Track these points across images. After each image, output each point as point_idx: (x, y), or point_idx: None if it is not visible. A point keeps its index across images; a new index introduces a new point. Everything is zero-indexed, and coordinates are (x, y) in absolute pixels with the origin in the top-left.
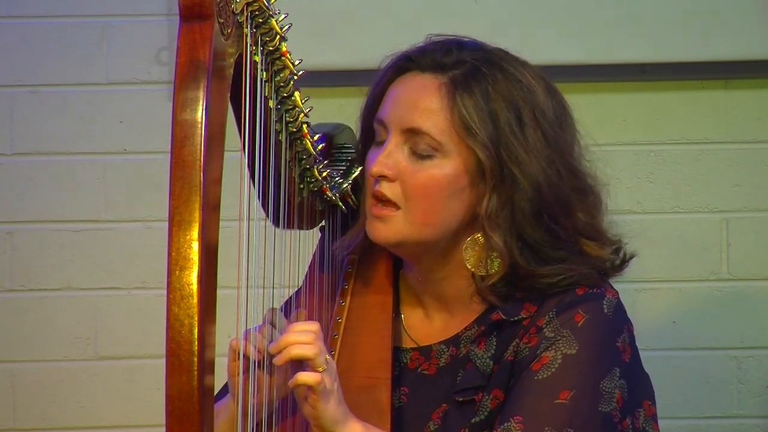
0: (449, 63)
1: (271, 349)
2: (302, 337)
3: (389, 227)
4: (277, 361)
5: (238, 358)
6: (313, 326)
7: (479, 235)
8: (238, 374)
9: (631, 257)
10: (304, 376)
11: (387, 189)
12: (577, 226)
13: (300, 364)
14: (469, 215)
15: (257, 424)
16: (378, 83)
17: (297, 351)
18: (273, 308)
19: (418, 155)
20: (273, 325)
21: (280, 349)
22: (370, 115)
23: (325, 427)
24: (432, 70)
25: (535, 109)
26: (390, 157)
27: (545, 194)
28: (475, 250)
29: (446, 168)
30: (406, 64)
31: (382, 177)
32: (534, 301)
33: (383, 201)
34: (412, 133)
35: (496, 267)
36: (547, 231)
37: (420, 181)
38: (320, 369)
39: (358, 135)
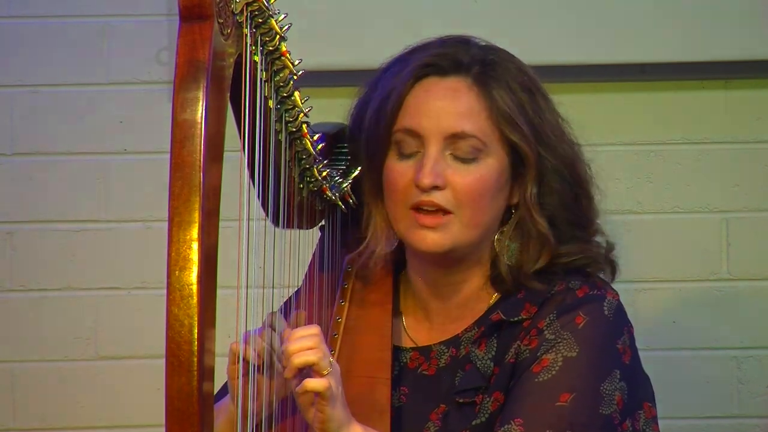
0: (467, 62)
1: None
2: (306, 343)
3: (443, 234)
4: (287, 374)
5: (238, 362)
6: (314, 329)
7: (506, 227)
8: (238, 377)
9: (613, 247)
10: (313, 383)
11: (439, 197)
12: (592, 204)
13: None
14: (504, 208)
15: (256, 426)
16: (397, 93)
17: (302, 359)
18: (273, 312)
19: (462, 159)
20: (273, 328)
21: (285, 361)
22: (387, 125)
23: (330, 431)
24: (454, 72)
25: (544, 94)
26: (437, 166)
27: (573, 174)
28: (505, 241)
29: (491, 166)
30: (423, 70)
31: (434, 187)
32: (534, 301)
33: (433, 210)
34: (454, 138)
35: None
36: (575, 211)
37: (470, 184)
38: (325, 372)
39: None
